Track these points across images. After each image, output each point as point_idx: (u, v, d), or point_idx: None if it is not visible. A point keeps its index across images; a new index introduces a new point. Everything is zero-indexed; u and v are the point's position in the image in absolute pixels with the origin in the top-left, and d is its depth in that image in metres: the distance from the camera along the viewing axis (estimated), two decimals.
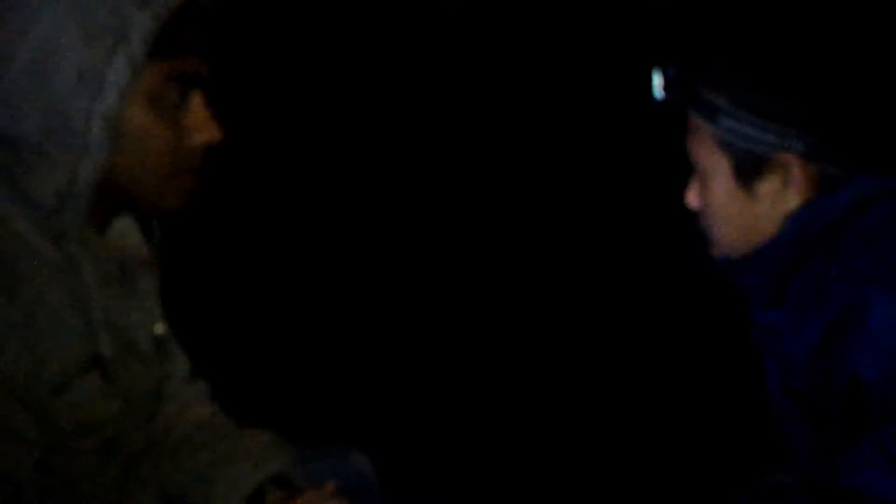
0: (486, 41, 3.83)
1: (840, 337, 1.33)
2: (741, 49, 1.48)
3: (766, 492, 1.47)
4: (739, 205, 1.46)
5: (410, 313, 3.19)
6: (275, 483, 1.42)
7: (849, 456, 1.33)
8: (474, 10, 3.79)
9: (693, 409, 2.76)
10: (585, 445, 2.70)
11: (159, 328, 1.40)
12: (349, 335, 3.06)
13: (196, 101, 1.25)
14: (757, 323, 1.50)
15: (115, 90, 1.18)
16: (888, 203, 1.38)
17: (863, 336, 1.31)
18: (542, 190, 3.72)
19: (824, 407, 1.37)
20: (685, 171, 1.53)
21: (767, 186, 1.43)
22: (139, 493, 1.36)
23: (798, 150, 1.40)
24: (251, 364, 2.66)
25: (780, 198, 1.43)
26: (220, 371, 1.55)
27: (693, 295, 2.77)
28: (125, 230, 1.35)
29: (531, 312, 3.27)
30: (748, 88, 1.42)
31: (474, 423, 2.76)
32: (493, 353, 3.08)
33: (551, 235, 3.57)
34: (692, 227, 1.55)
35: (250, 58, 3.22)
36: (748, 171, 1.43)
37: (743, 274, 1.48)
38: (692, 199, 1.51)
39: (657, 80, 1.51)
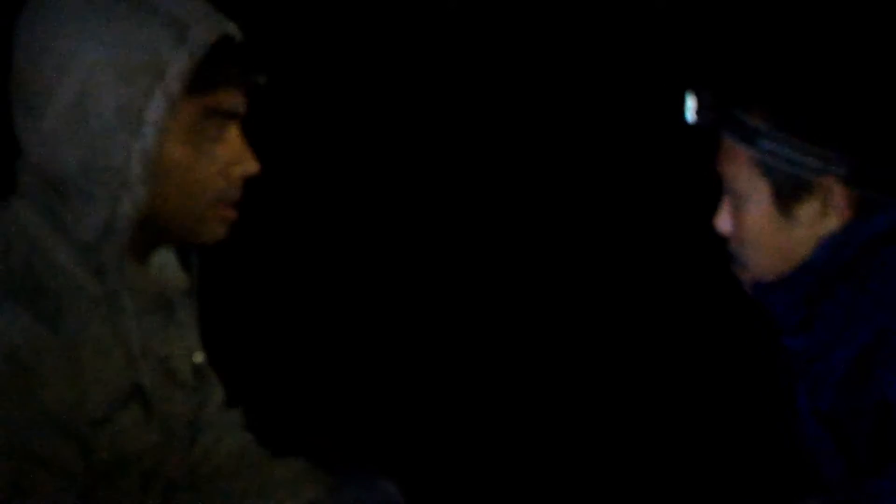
0: (486, 41, 3.84)
1: (872, 363, 1.33)
2: (775, 68, 1.47)
3: None
4: (776, 229, 1.44)
5: (439, 331, 3.20)
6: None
7: (880, 481, 1.33)
8: (474, 10, 3.80)
9: (721, 432, 2.76)
10: (605, 465, 2.70)
11: (198, 357, 1.42)
12: (379, 362, 3.07)
13: (233, 134, 1.27)
14: (786, 347, 1.49)
15: (153, 127, 1.20)
16: None
17: (893, 363, 1.31)
18: (543, 190, 3.72)
19: (854, 432, 1.36)
20: (685, 171, 1.52)
21: (807, 210, 1.42)
22: None
23: (840, 174, 1.39)
24: (284, 390, 2.67)
25: (818, 222, 1.42)
26: (253, 399, 1.56)
27: (723, 316, 2.76)
28: (164, 261, 1.37)
29: (553, 320, 3.28)
30: (789, 110, 1.40)
31: (502, 444, 2.77)
32: (516, 365, 3.08)
33: (551, 236, 3.57)
34: (710, 245, 1.55)
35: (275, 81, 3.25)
36: (787, 194, 1.42)
37: (773, 298, 1.47)
38: (723, 223, 1.49)
39: (690, 104, 1.49)
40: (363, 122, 3.77)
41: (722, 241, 1.53)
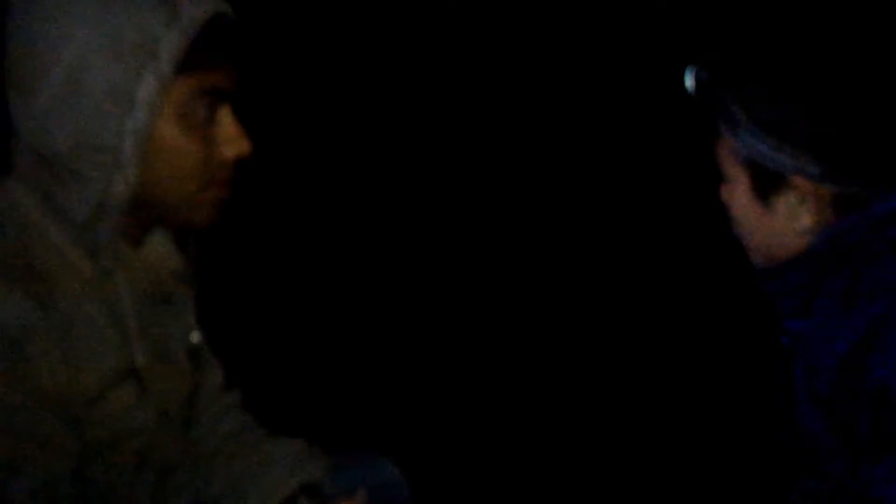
0: (486, 41, 3.83)
1: (869, 349, 1.33)
2: (759, 62, 1.45)
3: (804, 499, 1.47)
4: (758, 216, 1.45)
5: (431, 319, 3.20)
6: (306, 492, 1.44)
7: (878, 467, 1.32)
8: (474, 10, 3.79)
9: (720, 416, 2.75)
10: (603, 455, 2.70)
11: (195, 337, 1.43)
12: (377, 342, 3.08)
13: (225, 115, 1.27)
14: (787, 330, 1.49)
15: (145, 107, 1.20)
16: None
17: (891, 348, 1.30)
18: (543, 190, 3.71)
19: (852, 417, 1.36)
20: (684, 173, 1.51)
21: (784, 202, 1.42)
22: (174, 500, 1.38)
23: (812, 174, 1.39)
24: (283, 372, 2.68)
25: (795, 214, 1.42)
26: (252, 380, 1.57)
27: (725, 298, 2.75)
28: (159, 243, 1.37)
29: (548, 310, 3.28)
30: (765, 107, 1.40)
31: (501, 428, 2.77)
32: (511, 354, 3.08)
33: (551, 236, 3.57)
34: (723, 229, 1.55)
35: (268, 66, 3.26)
36: (765, 187, 1.43)
37: (774, 283, 1.46)
38: (724, 198, 1.51)
39: (689, 81, 1.49)
40: (363, 121, 3.77)
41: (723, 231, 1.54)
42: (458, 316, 3.24)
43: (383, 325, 3.16)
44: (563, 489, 2.57)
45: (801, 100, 1.39)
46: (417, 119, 3.76)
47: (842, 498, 1.40)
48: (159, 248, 1.37)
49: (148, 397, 1.31)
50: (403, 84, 3.79)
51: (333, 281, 3.31)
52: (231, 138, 1.27)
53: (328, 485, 1.48)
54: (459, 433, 2.73)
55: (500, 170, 3.74)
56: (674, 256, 3.34)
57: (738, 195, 1.46)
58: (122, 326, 1.28)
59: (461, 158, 3.76)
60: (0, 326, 1.18)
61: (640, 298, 3.27)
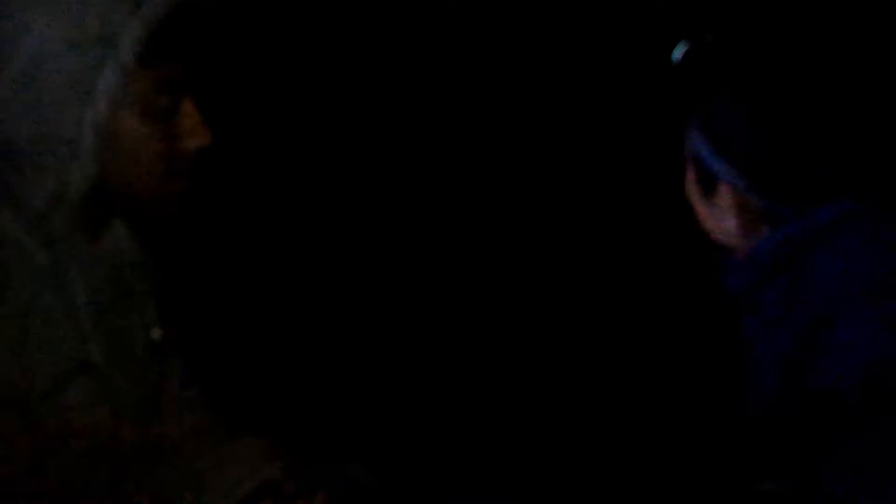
0: (485, 41, 3.84)
1: (808, 351, 1.36)
2: (716, 67, 1.50)
3: (761, 499, 1.48)
4: (704, 211, 1.51)
5: (402, 316, 3.19)
6: (267, 491, 1.43)
7: (825, 465, 1.35)
8: (474, 9, 3.80)
9: (684, 414, 2.76)
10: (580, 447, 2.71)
11: (155, 333, 1.42)
12: (344, 340, 3.07)
13: (187, 107, 1.27)
14: (745, 325, 1.52)
15: (105, 98, 1.19)
16: (856, 225, 1.41)
17: (830, 351, 1.33)
18: (543, 190, 3.72)
19: (794, 419, 1.39)
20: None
21: (721, 203, 1.48)
22: (131, 496, 1.36)
23: (739, 185, 1.44)
24: (246, 369, 2.67)
25: (725, 216, 1.47)
26: (215, 376, 1.55)
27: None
28: (118, 236, 1.36)
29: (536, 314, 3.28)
30: (710, 114, 1.46)
31: (472, 428, 2.76)
32: (486, 354, 3.08)
33: (551, 236, 3.57)
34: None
35: (246, 59, 3.25)
36: (704, 184, 1.49)
37: (729, 279, 1.51)
38: None
39: (678, 54, 1.55)
40: (363, 121, 3.77)
41: None
42: (422, 314, 3.24)
43: (352, 322, 3.15)
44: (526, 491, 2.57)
45: (741, 115, 1.45)
46: (417, 119, 3.76)
47: (795, 498, 1.41)
48: (118, 241, 1.35)
49: (104, 393, 1.30)
50: (402, 83, 3.79)
51: (302, 276, 3.30)
52: (192, 130, 1.27)
53: (292, 484, 1.47)
54: (432, 434, 2.73)
55: (501, 170, 3.74)
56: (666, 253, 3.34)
57: (691, 188, 1.53)
58: (77, 320, 1.27)
59: (461, 158, 3.76)
60: None
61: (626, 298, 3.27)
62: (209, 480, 1.43)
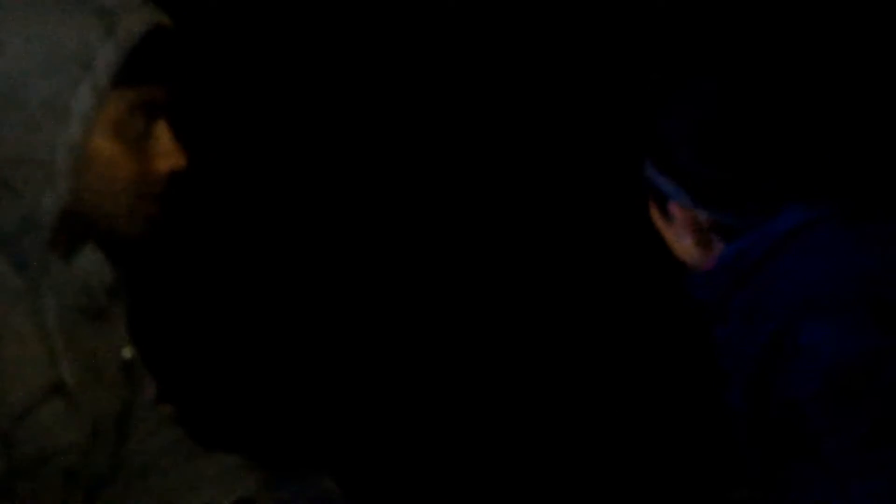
0: (485, 41, 3.82)
1: (774, 359, 1.37)
2: (666, 92, 1.54)
3: None
4: (667, 234, 1.54)
5: (376, 327, 3.19)
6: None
7: (794, 473, 1.37)
8: (474, 9, 3.78)
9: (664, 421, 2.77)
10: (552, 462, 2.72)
11: (127, 352, 1.41)
12: (316, 355, 3.07)
13: (161, 129, 1.26)
14: (714, 337, 1.54)
15: (79, 120, 1.18)
16: (816, 231, 1.42)
17: (795, 358, 1.34)
18: (542, 190, 3.71)
19: (763, 426, 1.40)
20: None
21: (676, 222, 1.51)
22: None
23: (683, 202, 1.47)
24: (218, 386, 2.66)
25: (684, 234, 1.50)
26: (187, 394, 1.55)
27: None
28: (90, 256, 1.35)
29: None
30: (650, 137, 1.50)
31: (444, 443, 2.77)
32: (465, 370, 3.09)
33: (551, 236, 3.57)
34: None
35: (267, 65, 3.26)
36: (660, 206, 1.52)
37: (695, 291, 1.53)
38: None
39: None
40: (362, 121, 3.75)
41: None
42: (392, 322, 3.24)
43: (320, 337, 3.15)
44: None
45: (678, 131, 1.48)
46: (417, 119, 3.75)
47: None
48: (90, 261, 1.34)
49: (77, 414, 1.29)
50: (403, 84, 3.77)
51: (273, 295, 3.29)
52: (166, 152, 1.26)
53: (265, 500, 1.47)
54: (403, 450, 2.73)
55: (500, 170, 3.73)
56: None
57: (653, 208, 1.55)
58: (50, 342, 1.26)
59: (461, 158, 3.75)
60: None
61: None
62: (184, 500, 1.43)
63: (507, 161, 3.73)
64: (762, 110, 1.46)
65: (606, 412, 2.87)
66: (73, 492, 1.31)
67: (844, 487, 1.31)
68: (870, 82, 2.96)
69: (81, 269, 1.33)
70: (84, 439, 1.30)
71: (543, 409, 2.92)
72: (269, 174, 3.54)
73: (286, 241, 3.46)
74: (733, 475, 1.53)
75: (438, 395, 2.96)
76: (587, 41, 3.71)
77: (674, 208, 1.49)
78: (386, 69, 3.66)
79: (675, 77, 1.58)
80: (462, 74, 3.73)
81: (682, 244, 1.51)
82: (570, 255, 3.50)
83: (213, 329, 3.02)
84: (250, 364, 2.94)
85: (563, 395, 2.96)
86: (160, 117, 1.26)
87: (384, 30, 3.67)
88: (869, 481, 1.29)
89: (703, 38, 3.02)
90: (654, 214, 1.55)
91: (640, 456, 2.67)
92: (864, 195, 1.47)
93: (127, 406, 1.41)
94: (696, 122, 1.46)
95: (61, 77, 1.18)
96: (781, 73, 1.56)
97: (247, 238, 3.41)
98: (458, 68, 3.73)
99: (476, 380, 3.02)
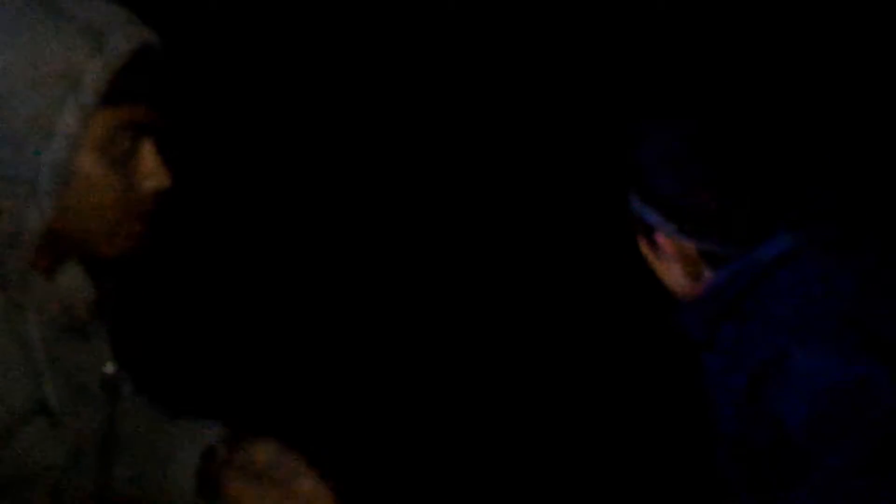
0: (485, 41, 3.82)
1: (763, 385, 1.38)
2: (647, 125, 1.56)
3: None
4: (653, 260, 1.57)
5: (360, 335, 3.19)
6: (224, 441, 1.42)
7: (780, 501, 1.37)
8: (474, 10, 3.78)
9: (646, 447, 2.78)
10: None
11: (109, 368, 1.40)
12: (308, 364, 3.07)
13: (146, 148, 1.25)
14: (702, 363, 1.55)
15: (64, 139, 1.17)
16: (802, 259, 1.44)
17: (784, 384, 1.36)
18: (542, 190, 3.71)
19: (753, 452, 1.41)
20: None
21: (664, 253, 1.53)
22: None
23: (668, 231, 1.50)
24: (204, 403, 2.65)
25: (672, 264, 1.53)
26: (173, 410, 1.54)
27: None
28: (72, 273, 1.34)
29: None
30: (639, 169, 1.52)
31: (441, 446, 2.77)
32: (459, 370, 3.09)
33: (550, 237, 3.57)
34: None
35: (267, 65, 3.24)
36: (648, 239, 1.55)
37: (683, 318, 1.54)
38: None
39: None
40: (362, 122, 3.75)
41: None
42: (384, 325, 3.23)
43: (307, 340, 3.14)
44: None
45: (659, 163, 1.50)
46: (417, 119, 3.74)
47: None
48: (72, 279, 1.34)
49: (60, 433, 1.28)
50: (403, 84, 3.77)
51: (259, 302, 3.29)
52: (151, 172, 1.25)
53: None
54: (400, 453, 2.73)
55: (500, 170, 3.72)
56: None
57: (641, 241, 1.58)
58: (32, 361, 1.25)
59: (461, 158, 3.74)
60: None
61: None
62: (160, 459, 1.42)
63: (507, 161, 3.72)
64: (742, 140, 1.48)
65: (592, 441, 2.87)
66: None
67: None
68: (849, 110, 2.99)
69: (62, 285, 1.32)
70: (69, 457, 1.29)
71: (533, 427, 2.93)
72: (253, 196, 3.54)
73: (271, 259, 3.46)
74: (724, 499, 1.53)
75: (434, 398, 2.96)
76: (586, 41, 3.71)
77: (660, 239, 1.50)
78: (386, 70, 3.65)
79: (656, 107, 1.60)
80: (461, 75, 3.72)
81: (671, 274, 1.53)
82: (562, 276, 3.51)
83: (199, 345, 3.02)
84: (233, 377, 2.93)
85: (551, 420, 2.97)
86: (146, 136, 1.25)
87: (384, 30, 3.66)
88: None
89: (683, 69, 3.04)
90: (643, 246, 1.57)
91: (628, 484, 2.68)
92: (846, 221, 1.48)
93: (110, 424, 1.40)
94: (675, 152, 1.48)
95: (46, 95, 1.16)
96: (760, 103, 1.59)
97: (231, 254, 3.40)
98: (457, 68, 3.72)
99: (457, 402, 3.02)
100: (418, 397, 2.96)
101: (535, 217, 3.64)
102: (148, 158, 1.25)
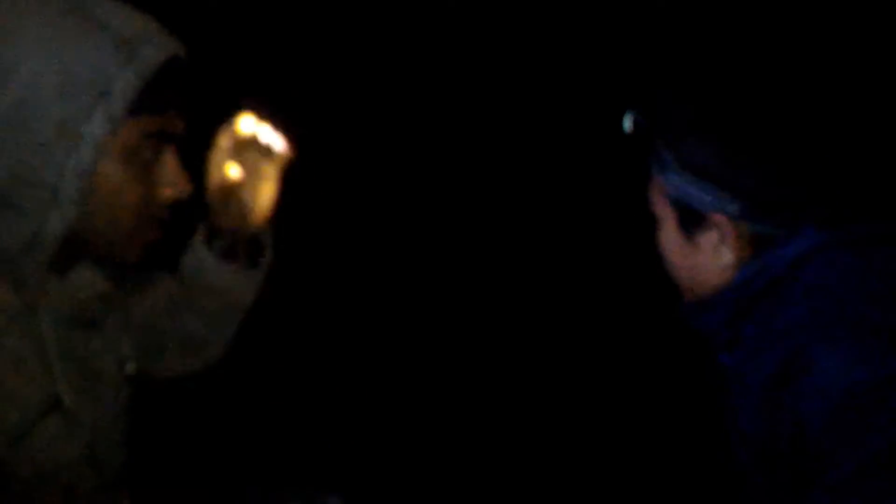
0: (485, 41, 3.82)
1: (785, 385, 1.38)
2: (689, 106, 1.51)
3: None
4: (684, 254, 1.51)
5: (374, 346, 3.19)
6: None
7: (798, 501, 1.37)
8: (474, 10, 3.78)
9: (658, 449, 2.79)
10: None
11: (130, 367, 1.41)
12: (321, 367, 3.06)
13: (169, 157, 1.26)
14: (720, 364, 1.53)
15: (91, 145, 1.18)
16: (826, 257, 1.43)
17: (806, 384, 1.35)
18: (541, 191, 3.71)
19: (773, 452, 1.41)
20: None
21: (707, 240, 1.48)
22: None
23: (731, 212, 1.45)
24: (226, 402, 2.63)
25: (717, 252, 1.48)
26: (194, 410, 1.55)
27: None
28: (83, 267, 1.34)
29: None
30: (689, 148, 1.46)
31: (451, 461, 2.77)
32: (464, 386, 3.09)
33: (550, 237, 3.57)
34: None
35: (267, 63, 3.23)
36: (690, 224, 1.49)
37: (700, 319, 1.52)
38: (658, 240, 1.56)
39: (627, 123, 1.55)
40: (362, 121, 3.73)
41: None
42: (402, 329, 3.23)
43: (320, 344, 3.13)
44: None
45: (723, 142, 1.45)
46: (417, 119, 3.73)
47: None
48: (84, 274, 1.34)
49: (75, 430, 1.29)
50: (403, 84, 3.76)
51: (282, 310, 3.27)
52: (173, 181, 1.26)
53: None
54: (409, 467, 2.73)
55: (500, 170, 3.72)
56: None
57: (666, 233, 1.52)
58: (45, 360, 1.26)
59: (460, 158, 3.73)
60: None
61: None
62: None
63: (507, 161, 3.72)
64: (806, 127, 1.45)
65: (601, 445, 2.88)
66: None
67: None
68: (870, 111, 2.97)
69: (75, 281, 1.32)
70: (82, 454, 1.31)
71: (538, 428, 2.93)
72: (329, 162, 3.50)
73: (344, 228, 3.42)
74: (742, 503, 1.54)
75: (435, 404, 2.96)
76: (586, 41, 3.70)
77: (718, 221, 1.45)
78: (386, 70, 3.64)
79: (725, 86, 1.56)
80: (461, 75, 3.72)
81: (712, 263, 1.48)
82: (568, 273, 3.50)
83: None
84: (252, 380, 2.91)
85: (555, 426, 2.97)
86: (168, 145, 1.26)
87: (384, 30, 3.64)
88: None
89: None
90: (673, 240, 1.51)
91: (642, 487, 2.69)
92: (872, 221, 1.46)
93: (121, 416, 1.41)
94: (744, 132, 1.44)
95: (75, 102, 1.17)
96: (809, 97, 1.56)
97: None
98: (457, 67, 3.71)
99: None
100: (419, 397, 2.97)
101: (537, 216, 3.64)
102: (170, 167, 1.26)
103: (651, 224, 1.56)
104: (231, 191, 1.46)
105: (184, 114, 1.26)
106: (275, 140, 1.46)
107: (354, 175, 3.64)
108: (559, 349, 3.29)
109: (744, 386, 1.45)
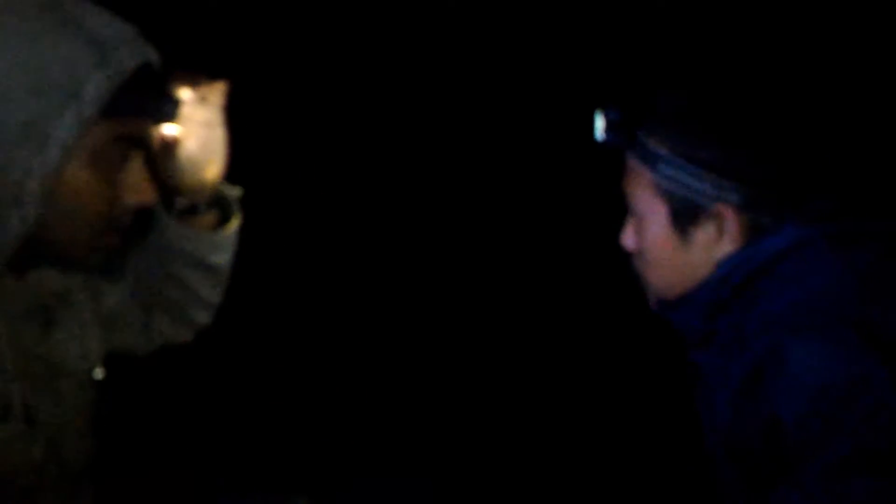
0: (485, 41, 3.80)
1: (759, 380, 1.36)
2: (682, 97, 1.48)
3: None
4: (674, 250, 1.48)
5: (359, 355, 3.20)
6: None
7: (773, 496, 1.37)
8: (474, 10, 3.75)
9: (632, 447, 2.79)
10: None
11: (98, 372, 1.40)
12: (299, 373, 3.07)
13: (136, 162, 1.24)
14: (691, 362, 1.52)
15: (58, 146, 1.16)
16: (805, 252, 1.41)
17: (781, 379, 1.34)
18: (541, 191, 3.71)
19: (747, 447, 1.40)
20: None
21: (703, 234, 1.45)
22: None
23: (733, 201, 1.42)
24: (200, 405, 2.65)
25: (713, 245, 1.45)
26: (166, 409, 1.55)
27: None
28: (44, 270, 1.33)
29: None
30: (687, 139, 1.43)
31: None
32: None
33: (549, 238, 3.57)
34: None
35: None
36: (685, 218, 1.45)
37: (675, 315, 1.50)
38: (628, 241, 1.52)
39: (599, 123, 1.50)
40: (361, 122, 3.73)
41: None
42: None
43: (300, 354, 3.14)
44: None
45: (721, 131, 1.42)
46: (417, 119, 3.73)
47: None
48: (45, 274, 1.32)
49: (34, 431, 1.28)
50: (403, 84, 3.75)
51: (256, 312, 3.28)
52: (137, 187, 1.25)
53: None
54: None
55: (500, 170, 3.72)
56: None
57: (653, 230, 1.48)
58: (3, 361, 1.24)
59: (460, 158, 3.73)
60: None
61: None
62: None
63: (507, 161, 3.71)
64: (806, 119, 1.43)
65: (586, 440, 2.88)
66: None
67: None
68: (853, 110, 2.94)
69: (32, 281, 1.31)
70: (41, 457, 1.30)
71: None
72: (329, 162, 3.52)
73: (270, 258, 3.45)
74: (716, 498, 1.52)
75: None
76: (586, 41, 3.68)
77: (720, 209, 1.43)
78: (386, 69, 3.63)
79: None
80: (461, 74, 3.70)
81: (704, 257, 1.45)
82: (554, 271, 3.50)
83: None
84: (223, 382, 2.92)
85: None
86: (138, 151, 1.24)
87: (384, 30, 3.63)
88: None
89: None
90: (665, 234, 1.48)
91: (623, 484, 2.69)
92: (849, 219, 1.44)
93: (83, 417, 1.39)
94: (748, 123, 1.42)
95: (45, 102, 1.15)
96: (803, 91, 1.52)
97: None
98: (457, 67, 3.70)
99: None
100: (418, 397, 2.97)
101: (533, 216, 3.63)
102: (136, 173, 1.24)
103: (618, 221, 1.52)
104: (174, 147, 1.38)
105: (155, 120, 1.24)
106: (205, 89, 1.38)
107: (352, 174, 3.64)
108: (544, 346, 3.28)
109: (718, 380, 1.44)
